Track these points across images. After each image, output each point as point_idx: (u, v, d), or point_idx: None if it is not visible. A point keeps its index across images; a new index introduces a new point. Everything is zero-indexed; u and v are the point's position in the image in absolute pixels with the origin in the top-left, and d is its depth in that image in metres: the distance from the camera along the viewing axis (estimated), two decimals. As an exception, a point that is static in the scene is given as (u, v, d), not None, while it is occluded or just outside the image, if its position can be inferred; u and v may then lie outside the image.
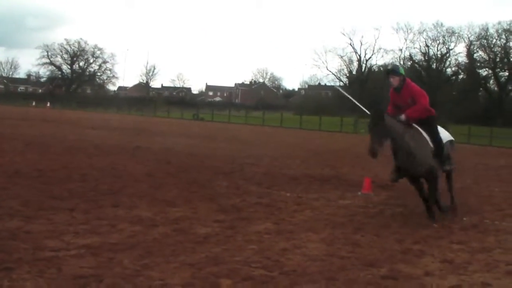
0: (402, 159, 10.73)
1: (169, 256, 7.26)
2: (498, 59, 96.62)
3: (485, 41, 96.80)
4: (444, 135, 11.60)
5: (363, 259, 7.71)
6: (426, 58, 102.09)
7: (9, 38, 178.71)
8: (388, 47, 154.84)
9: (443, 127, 12.05)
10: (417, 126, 10.96)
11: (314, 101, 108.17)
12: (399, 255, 8.10)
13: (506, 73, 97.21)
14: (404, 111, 10.87)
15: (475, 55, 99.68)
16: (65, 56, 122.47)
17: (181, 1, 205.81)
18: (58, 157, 17.28)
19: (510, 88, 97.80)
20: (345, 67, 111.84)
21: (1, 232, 7.93)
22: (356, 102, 13.37)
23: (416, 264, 7.76)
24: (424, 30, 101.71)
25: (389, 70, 11.38)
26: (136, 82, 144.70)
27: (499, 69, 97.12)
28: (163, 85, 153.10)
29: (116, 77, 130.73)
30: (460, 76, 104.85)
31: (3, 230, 8.07)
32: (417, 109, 10.87)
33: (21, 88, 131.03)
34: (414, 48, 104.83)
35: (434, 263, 7.83)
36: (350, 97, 14.49)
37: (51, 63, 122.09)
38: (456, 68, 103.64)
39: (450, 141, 11.87)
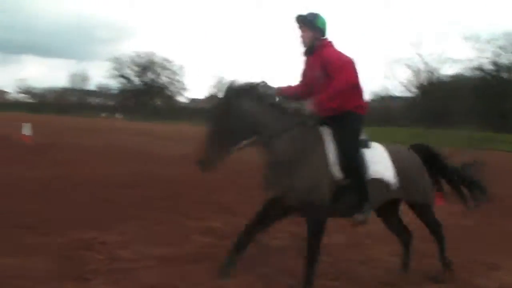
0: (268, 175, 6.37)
1: (243, 268, 7.23)
2: None
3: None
4: (381, 165, 6.61)
5: (436, 272, 7.54)
6: (496, 67, 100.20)
7: (80, 51, 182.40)
8: (456, 57, 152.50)
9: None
10: (323, 130, 6.43)
11: (381, 112, 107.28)
12: (473, 268, 7.90)
13: None
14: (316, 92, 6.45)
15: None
16: (135, 68, 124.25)
17: (247, 12, 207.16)
18: (130, 168, 17.49)
19: None
20: (413, 77, 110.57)
21: (77, 242, 8.05)
22: None
23: (491, 276, 7.57)
24: (492, 40, 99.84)
25: (298, 18, 6.69)
26: (206, 93, 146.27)
27: None
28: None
29: (186, 89, 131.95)
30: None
31: (79, 240, 8.18)
32: (331, 91, 6.22)
33: (93, 100, 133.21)
34: (483, 57, 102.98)
35: (509, 276, 7.63)
36: None
37: (122, 75, 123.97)
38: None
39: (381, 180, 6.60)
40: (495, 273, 7.76)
